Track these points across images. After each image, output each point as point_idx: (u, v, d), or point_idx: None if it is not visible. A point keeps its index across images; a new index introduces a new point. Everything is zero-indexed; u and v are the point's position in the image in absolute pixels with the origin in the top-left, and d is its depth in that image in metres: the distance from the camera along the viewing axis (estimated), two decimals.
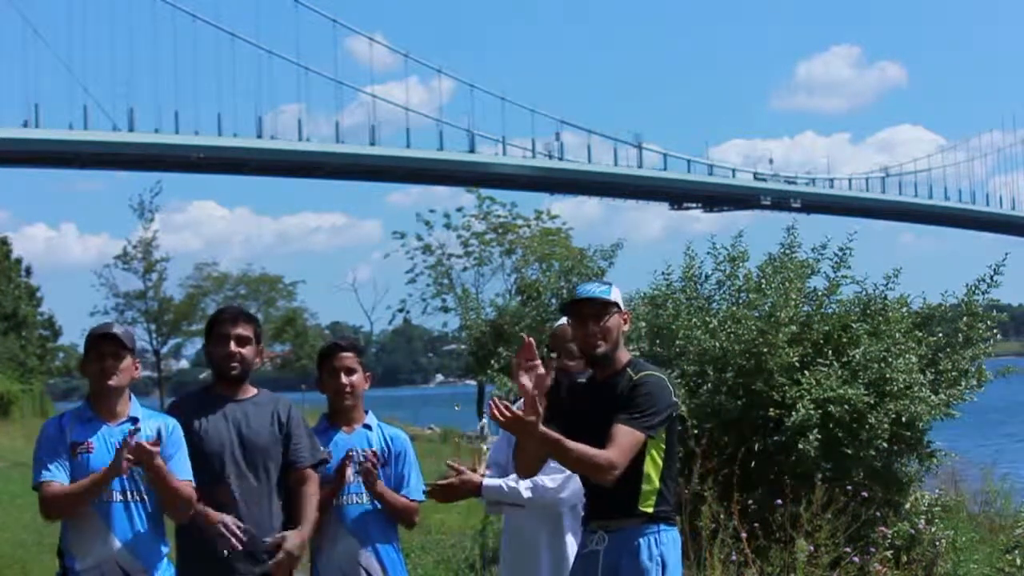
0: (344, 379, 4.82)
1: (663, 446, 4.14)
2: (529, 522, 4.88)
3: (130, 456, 4.18)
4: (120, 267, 48.13)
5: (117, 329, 4.41)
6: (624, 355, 4.26)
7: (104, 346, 4.36)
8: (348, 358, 4.84)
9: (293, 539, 4.55)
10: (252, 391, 4.78)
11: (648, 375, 4.14)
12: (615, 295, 4.25)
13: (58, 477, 4.26)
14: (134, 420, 4.39)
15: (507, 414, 3.87)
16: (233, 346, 4.69)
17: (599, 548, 4.16)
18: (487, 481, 4.83)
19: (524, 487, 4.78)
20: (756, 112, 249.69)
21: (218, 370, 4.74)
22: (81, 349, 4.52)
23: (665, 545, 4.12)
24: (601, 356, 4.20)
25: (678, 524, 4.32)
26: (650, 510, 4.12)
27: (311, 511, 4.62)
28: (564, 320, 4.95)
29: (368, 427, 4.88)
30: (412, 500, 4.87)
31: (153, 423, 4.43)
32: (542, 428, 3.93)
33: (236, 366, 4.70)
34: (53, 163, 65.90)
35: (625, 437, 4.00)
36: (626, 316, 4.28)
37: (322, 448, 4.76)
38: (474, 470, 4.91)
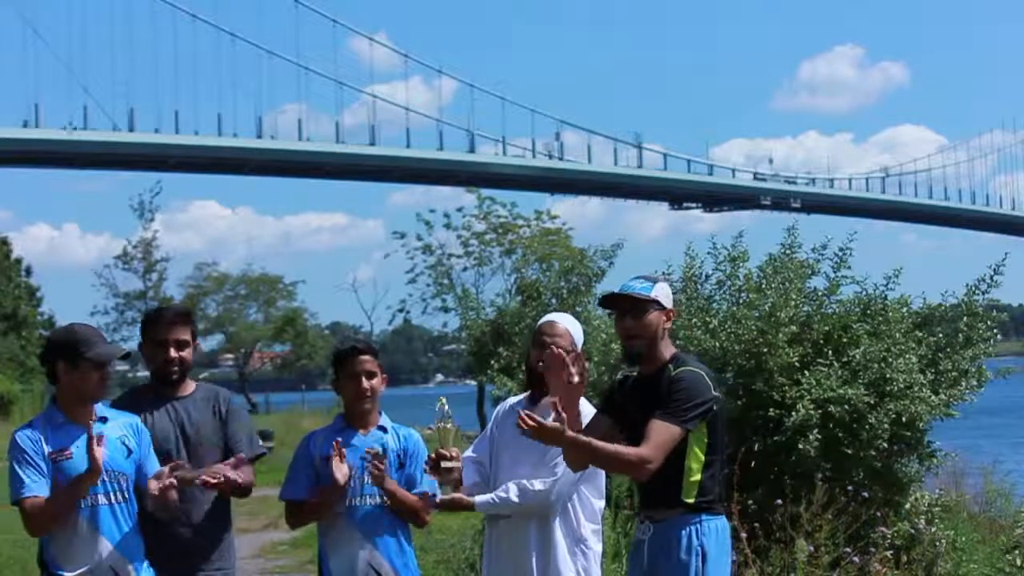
0: (364, 384, 4.76)
1: (705, 440, 4.15)
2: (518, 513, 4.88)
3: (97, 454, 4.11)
4: (120, 267, 48.17)
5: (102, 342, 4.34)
6: (667, 352, 4.24)
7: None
8: (367, 362, 4.76)
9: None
10: (191, 387, 4.82)
11: (685, 370, 4.15)
12: (657, 291, 4.21)
13: (39, 491, 4.19)
14: (103, 420, 4.38)
15: (532, 423, 3.93)
16: (173, 352, 4.72)
17: (645, 538, 4.21)
18: (478, 499, 4.84)
19: (513, 494, 4.78)
20: (758, 112, 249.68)
21: (158, 374, 4.77)
22: None
23: (707, 535, 4.13)
24: (636, 353, 4.21)
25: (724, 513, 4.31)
26: (691, 500, 4.13)
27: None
28: (549, 317, 5.01)
29: (383, 428, 4.86)
30: (428, 495, 4.80)
31: (122, 422, 4.43)
32: (570, 433, 3.96)
33: (176, 371, 4.74)
34: (54, 163, 65.91)
35: (659, 432, 4.02)
36: (669, 313, 4.25)
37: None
38: (449, 455, 4.80)
